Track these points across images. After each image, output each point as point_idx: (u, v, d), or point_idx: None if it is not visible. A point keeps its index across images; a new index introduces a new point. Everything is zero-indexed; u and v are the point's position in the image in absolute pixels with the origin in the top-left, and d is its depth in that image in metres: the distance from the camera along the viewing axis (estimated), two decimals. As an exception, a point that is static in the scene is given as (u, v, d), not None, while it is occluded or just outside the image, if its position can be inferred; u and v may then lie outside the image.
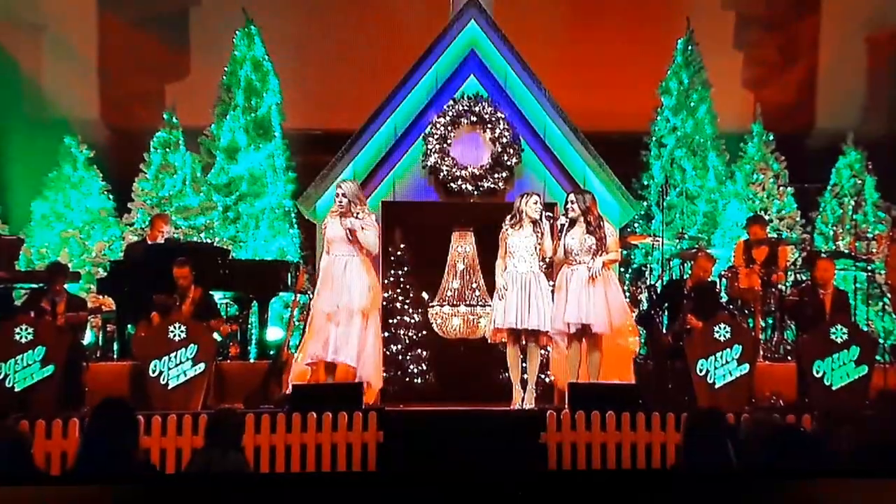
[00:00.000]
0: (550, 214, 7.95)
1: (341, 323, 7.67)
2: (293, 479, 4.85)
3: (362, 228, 7.76)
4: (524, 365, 8.01)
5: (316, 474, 6.28)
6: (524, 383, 7.97)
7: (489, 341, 8.14)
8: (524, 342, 7.93)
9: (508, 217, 8.01)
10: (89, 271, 11.17)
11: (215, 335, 8.73)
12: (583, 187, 8.61)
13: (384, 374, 8.23)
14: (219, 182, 11.86)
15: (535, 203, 7.93)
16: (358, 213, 7.80)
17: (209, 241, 11.25)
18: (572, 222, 7.90)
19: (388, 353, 8.79)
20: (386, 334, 7.94)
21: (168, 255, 8.91)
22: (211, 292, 8.88)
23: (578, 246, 7.81)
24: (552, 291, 7.95)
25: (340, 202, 7.77)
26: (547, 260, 7.98)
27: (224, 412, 5.26)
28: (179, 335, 7.81)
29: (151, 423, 7.05)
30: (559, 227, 7.86)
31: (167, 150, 11.73)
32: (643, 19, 12.68)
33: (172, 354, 7.79)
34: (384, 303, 8.45)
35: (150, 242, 9.90)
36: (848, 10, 12.68)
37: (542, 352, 8.48)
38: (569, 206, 7.92)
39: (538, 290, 7.85)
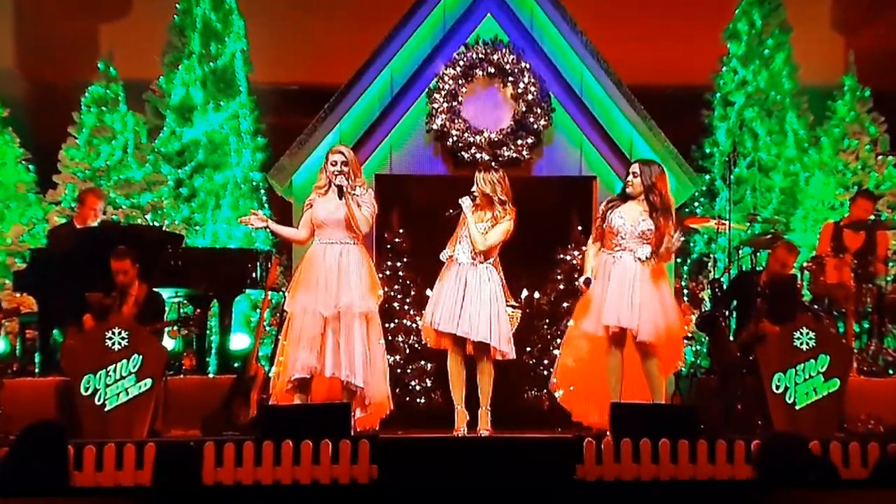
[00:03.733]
0: (462, 202, 7.95)
1: (341, 330, 7.64)
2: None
3: (359, 205, 7.74)
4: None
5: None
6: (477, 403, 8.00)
7: (429, 346, 8.23)
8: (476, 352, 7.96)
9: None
10: (3, 262, 11.17)
11: (165, 343, 8.72)
12: (650, 160, 8.54)
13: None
14: (169, 149, 11.86)
15: (476, 183, 7.97)
16: (355, 189, 7.76)
17: (157, 224, 11.24)
18: (626, 197, 7.88)
19: (383, 365, 8.79)
20: (381, 342, 7.94)
21: (104, 242, 8.91)
22: (159, 289, 8.87)
23: (630, 228, 7.77)
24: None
25: (341, 170, 7.73)
26: (478, 250, 7.94)
27: (177, 446, 5.27)
28: (119, 343, 7.80)
29: (83, 455, 7.04)
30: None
31: (103, 108, 11.71)
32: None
33: (111, 368, 7.78)
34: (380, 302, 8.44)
35: (80, 226, 9.89)
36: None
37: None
38: (629, 177, 7.89)
39: (478, 288, 7.88)
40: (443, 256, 8.08)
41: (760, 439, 7.15)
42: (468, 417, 7.96)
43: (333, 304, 7.63)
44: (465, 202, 7.96)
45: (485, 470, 7.31)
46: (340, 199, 7.68)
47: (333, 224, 7.74)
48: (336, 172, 7.72)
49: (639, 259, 7.77)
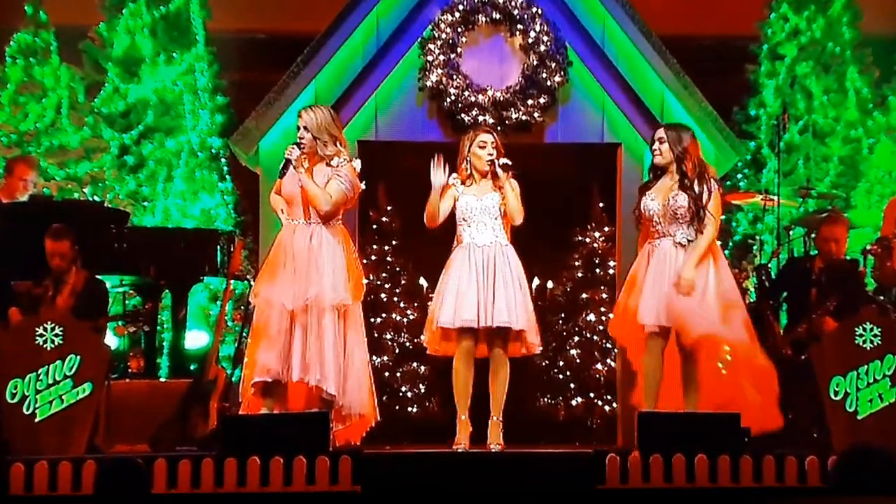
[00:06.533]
0: (508, 163, 7.89)
1: (310, 326, 7.64)
2: None
3: (330, 178, 7.68)
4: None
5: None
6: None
7: (428, 351, 8.19)
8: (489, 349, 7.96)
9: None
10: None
11: (108, 341, 8.71)
12: (678, 123, 8.52)
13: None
14: (112, 110, 11.83)
15: (483, 147, 7.94)
16: (332, 160, 7.72)
17: (97, 198, 11.23)
18: (657, 172, 7.84)
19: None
20: (362, 342, 7.94)
21: (33, 220, 8.89)
22: (100, 277, 8.87)
23: (661, 209, 7.75)
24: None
25: (298, 140, 7.70)
26: (517, 224, 7.93)
27: (122, 463, 5.27)
28: (53, 341, 7.78)
29: (10, 474, 7.03)
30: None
31: (31, 60, 11.68)
32: None
33: (42, 370, 7.76)
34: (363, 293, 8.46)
35: (6, 200, 9.88)
36: None
37: (601, 366, 8.49)
38: (654, 146, 7.86)
39: (507, 270, 7.90)
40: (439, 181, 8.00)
41: (815, 454, 7.22)
42: (471, 429, 7.96)
43: (301, 295, 7.61)
44: (503, 174, 7.90)
45: (489, 491, 7.30)
46: (281, 176, 7.65)
47: (303, 201, 7.71)
48: (295, 142, 7.71)
49: (679, 244, 7.74)
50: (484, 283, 7.86)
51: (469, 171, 8.00)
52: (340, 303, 7.64)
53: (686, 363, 7.79)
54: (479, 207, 7.95)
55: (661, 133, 7.92)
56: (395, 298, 9.54)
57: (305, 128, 7.71)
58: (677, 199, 7.76)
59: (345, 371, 7.67)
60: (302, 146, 7.69)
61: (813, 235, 9.81)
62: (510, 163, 7.89)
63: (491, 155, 7.91)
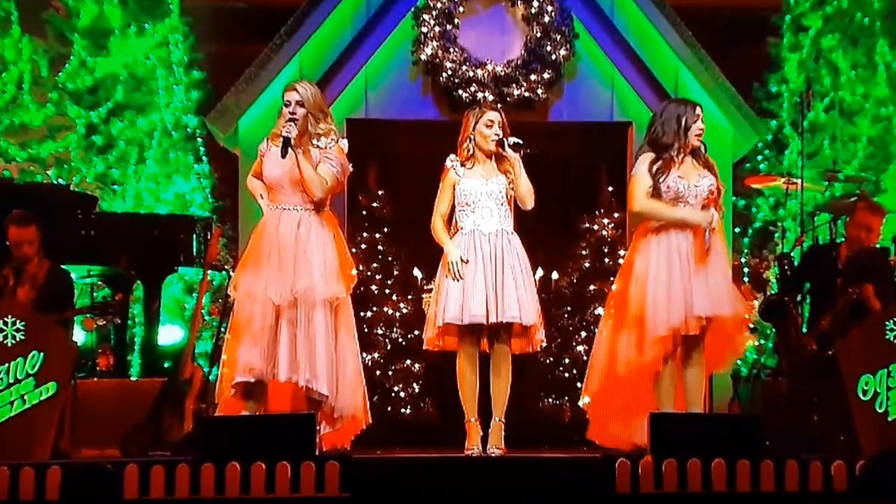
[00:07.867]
0: (519, 142, 7.83)
1: (298, 321, 7.61)
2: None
3: (319, 160, 7.66)
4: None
5: None
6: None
7: (426, 347, 8.14)
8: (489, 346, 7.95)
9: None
10: None
11: (74, 336, 8.70)
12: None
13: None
14: (78, 86, 11.81)
15: (490, 126, 7.88)
16: (320, 139, 7.68)
17: (62, 182, 11.22)
18: (669, 154, 7.73)
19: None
20: (354, 338, 7.94)
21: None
22: (66, 266, 8.86)
23: (694, 190, 7.67)
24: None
25: (292, 116, 7.64)
26: (527, 208, 7.91)
27: (89, 469, 5.28)
28: (14, 336, 7.78)
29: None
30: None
31: (-9, 32, 11.69)
32: None
33: (2, 368, 7.76)
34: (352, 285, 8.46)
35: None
36: None
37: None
38: (699, 124, 7.68)
39: (515, 261, 7.88)
40: (452, 252, 7.92)
41: (843, 458, 7.22)
42: (482, 432, 7.95)
43: (289, 288, 7.58)
44: (515, 154, 7.84)
45: (488, 498, 7.31)
46: (283, 156, 7.54)
47: (289, 185, 7.67)
48: (287, 119, 7.61)
49: (713, 229, 7.68)
50: (492, 276, 7.83)
51: (471, 152, 7.94)
52: (333, 296, 7.62)
53: (687, 360, 7.76)
54: (485, 192, 7.89)
55: (700, 111, 7.80)
56: (387, 291, 9.52)
57: (300, 103, 7.63)
58: (704, 181, 7.73)
59: (336, 370, 7.67)
60: (296, 123, 7.61)
61: (842, 219, 9.84)
62: (521, 141, 7.82)
63: (498, 135, 7.84)
